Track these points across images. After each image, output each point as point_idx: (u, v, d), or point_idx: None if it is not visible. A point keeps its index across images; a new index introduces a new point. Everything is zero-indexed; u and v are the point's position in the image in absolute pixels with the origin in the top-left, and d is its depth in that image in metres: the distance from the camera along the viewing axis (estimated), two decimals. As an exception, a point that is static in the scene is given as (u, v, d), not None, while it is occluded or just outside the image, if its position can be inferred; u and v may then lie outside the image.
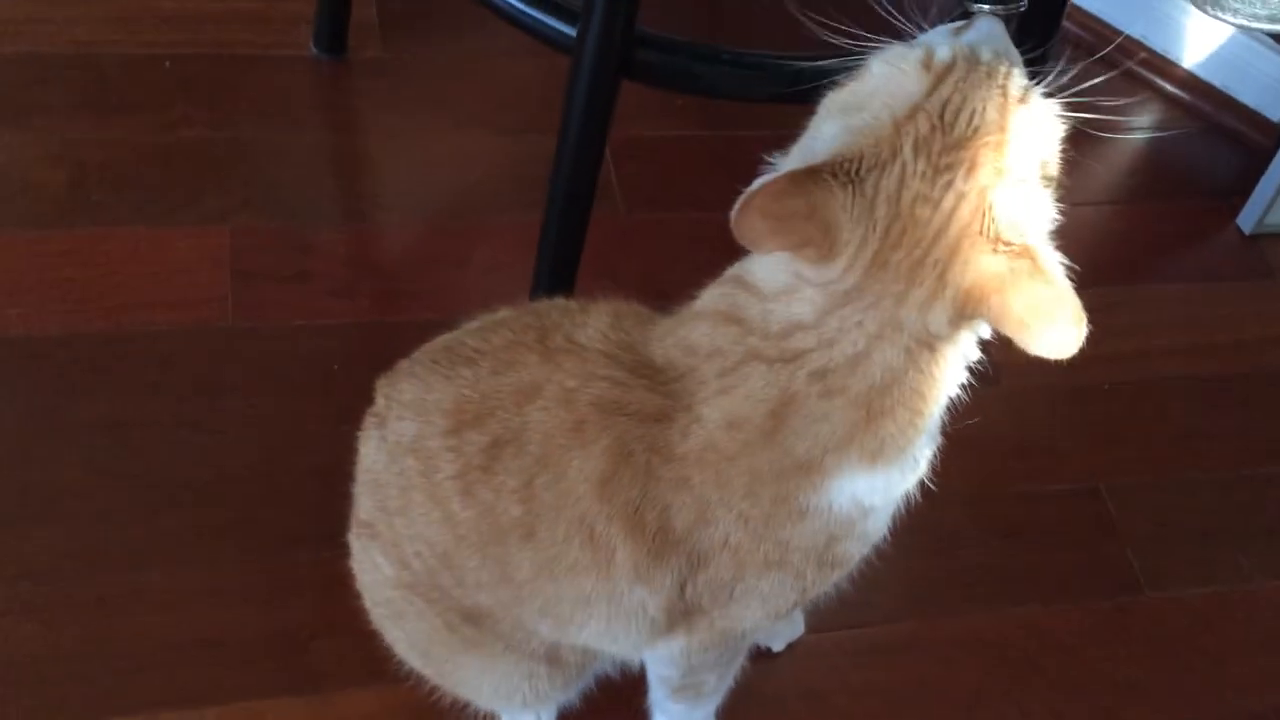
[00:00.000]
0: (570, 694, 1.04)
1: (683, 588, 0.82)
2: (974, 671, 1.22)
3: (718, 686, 1.03)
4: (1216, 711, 1.23)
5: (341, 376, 1.31)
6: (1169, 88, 1.85)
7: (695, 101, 1.63)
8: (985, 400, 0.78)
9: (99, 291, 1.34)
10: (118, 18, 1.58)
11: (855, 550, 0.83)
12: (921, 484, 0.81)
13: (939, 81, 0.68)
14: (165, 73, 1.55)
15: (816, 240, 0.68)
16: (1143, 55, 1.85)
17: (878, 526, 0.83)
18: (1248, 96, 1.80)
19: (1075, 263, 0.67)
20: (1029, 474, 1.37)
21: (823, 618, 1.13)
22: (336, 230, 1.46)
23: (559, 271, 1.21)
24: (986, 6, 0.87)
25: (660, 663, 0.98)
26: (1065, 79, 0.70)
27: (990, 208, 0.67)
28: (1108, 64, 1.88)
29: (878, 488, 0.77)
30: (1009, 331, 0.67)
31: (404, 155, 1.55)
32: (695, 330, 0.78)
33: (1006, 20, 0.99)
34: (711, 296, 0.78)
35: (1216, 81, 1.82)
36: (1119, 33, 1.85)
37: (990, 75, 0.68)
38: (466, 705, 1.06)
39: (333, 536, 0.98)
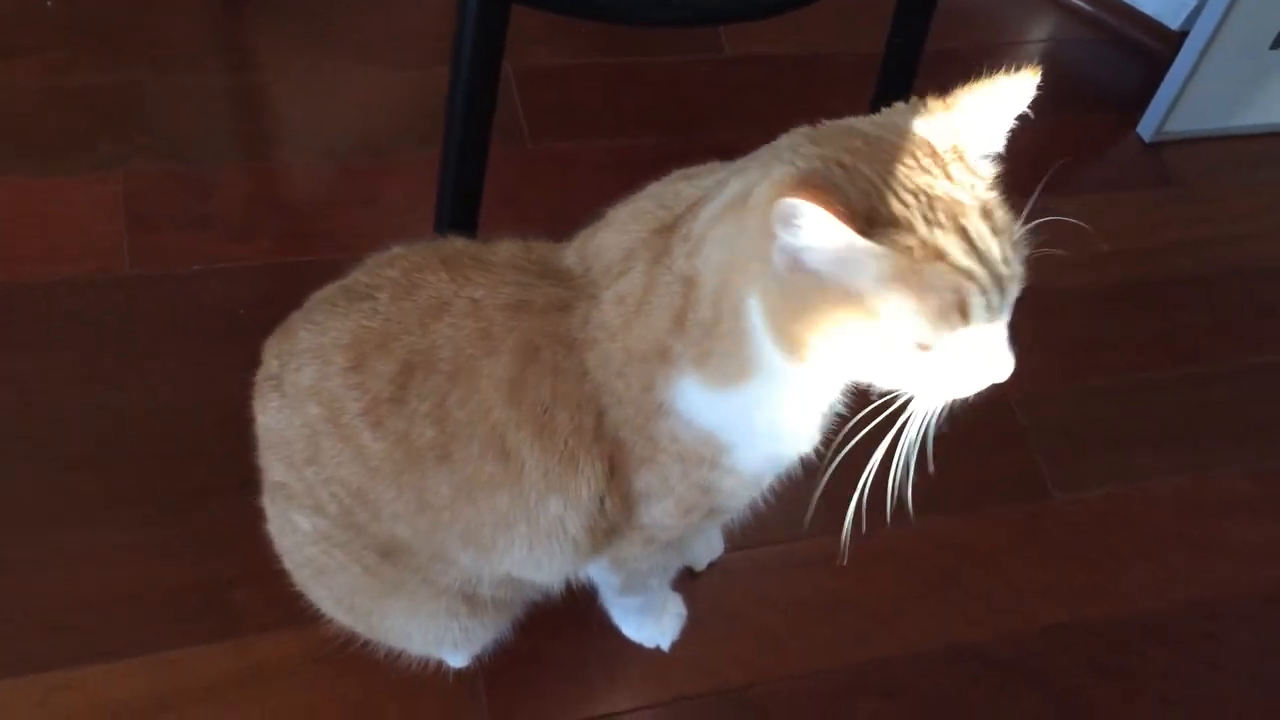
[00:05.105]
0: (501, 629, 1.05)
1: (602, 501, 0.82)
2: (891, 584, 1.25)
3: (664, 578, 1.07)
4: (1121, 609, 1.27)
5: (248, 321, 1.28)
6: (1069, -2, 1.85)
7: (599, 28, 1.60)
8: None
9: (-11, 244, 1.29)
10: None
11: (727, 483, 0.82)
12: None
13: None
14: (48, 13, 1.49)
15: None
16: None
17: (748, 468, 0.82)
18: (1148, 5, 1.80)
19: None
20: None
21: (745, 534, 1.14)
22: (237, 172, 1.42)
23: (461, 204, 1.20)
24: None
25: (599, 574, 1.00)
26: None
27: None
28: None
29: (721, 414, 0.77)
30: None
31: (303, 94, 1.51)
32: (614, 222, 0.79)
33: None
34: (635, 197, 0.80)
35: (1117, -9, 1.82)
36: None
37: None
38: (400, 654, 1.06)
39: (245, 484, 0.97)
